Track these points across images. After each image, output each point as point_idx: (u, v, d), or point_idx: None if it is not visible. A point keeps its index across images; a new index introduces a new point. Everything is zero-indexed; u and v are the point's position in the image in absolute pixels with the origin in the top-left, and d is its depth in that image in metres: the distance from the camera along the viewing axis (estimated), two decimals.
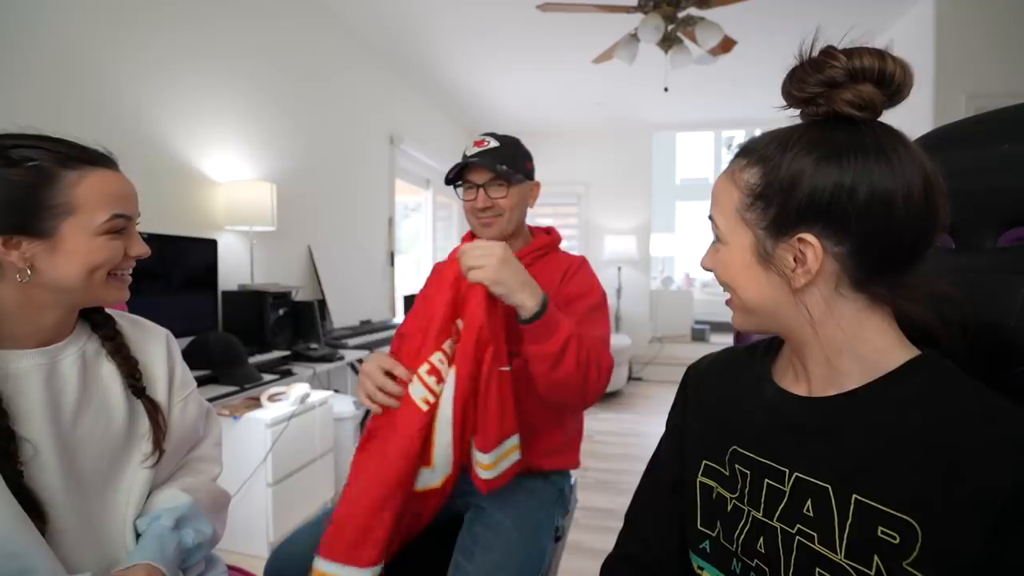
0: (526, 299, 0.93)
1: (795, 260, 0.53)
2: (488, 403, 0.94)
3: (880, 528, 0.46)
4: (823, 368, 0.55)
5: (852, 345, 0.53)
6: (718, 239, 0.60)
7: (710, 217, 0.61)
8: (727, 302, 0.62)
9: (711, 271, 0.62)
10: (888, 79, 0.50)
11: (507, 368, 0.96)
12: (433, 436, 0.93)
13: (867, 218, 0.50)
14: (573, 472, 1.27)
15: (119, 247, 0.72)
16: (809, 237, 0.52)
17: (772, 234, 0.54)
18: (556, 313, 0.96)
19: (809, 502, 0.52)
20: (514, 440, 0.98)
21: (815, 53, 0.53)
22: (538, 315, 0.93)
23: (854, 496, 0.48)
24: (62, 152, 0.68)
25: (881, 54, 0.50)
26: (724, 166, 0.60)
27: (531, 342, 0.96)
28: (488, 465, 0.95)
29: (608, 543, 0.74)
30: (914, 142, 0.52)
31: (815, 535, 0.51)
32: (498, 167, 1.13)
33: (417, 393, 0.93)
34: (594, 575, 0.73)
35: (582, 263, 1.21)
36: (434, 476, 0.94)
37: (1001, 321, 0.55)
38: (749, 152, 0.57)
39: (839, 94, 0.51)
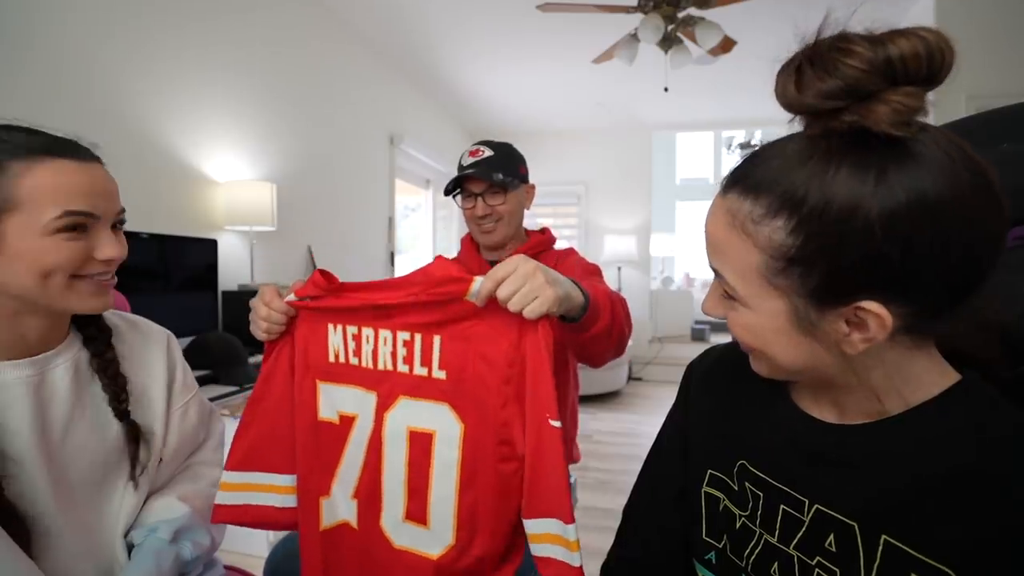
0: (576, 294, 0.77)
1: (848, 323, 0.43)
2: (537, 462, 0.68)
3: (912, 574, 0.42)
4: (859, 403, 0.49)
5: (896, 386, 0.46)
6: (731, 296, 0.49)
7: (713, 268, 0.50)
8: (748, 351, 0.53)
9: (720, 318, 0.52)
10: (936, 67, 0.37)
11: (557, 423, 0.65)
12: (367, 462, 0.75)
13: (950, 274, 0.40)
14: (573, 472, 1.27)
15: (78, 248, 0.63)
16: (873, 306, 0.41)
17: (817, 303, 0.43)
18: (587, 285, 0.85)
19: (832, 537, 0.47)
20: (553, 526, 0.67)
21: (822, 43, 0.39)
22: (587, 299, 0.79)
23: (883, 537, 0.44)
24: (11, 142, 0.61)
25: (916, 34, 0.37)
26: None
27: (589, 328, 0.83)
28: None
29: (608, 543, 0.74)
30: (962, 144, 0.41)
31: (837, 571, 0.46)
32: (494, 176, 1.17)
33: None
34: (594, 575, 0.73)
35: (570, 252, 1.27)
36: (415, 538, 0.74)
37: (1002, 321, 0.54)
38: (759, 188, 0.44)
39: (874, 111, 0.38)
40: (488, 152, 1.20)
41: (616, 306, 0.90)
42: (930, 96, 0.39)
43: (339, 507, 0.78)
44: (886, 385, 0.47)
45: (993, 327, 0.48)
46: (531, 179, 1.28)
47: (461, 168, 1.21)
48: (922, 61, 0.36)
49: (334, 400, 0.78)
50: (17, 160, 0.60)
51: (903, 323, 0.42)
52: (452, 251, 1.51)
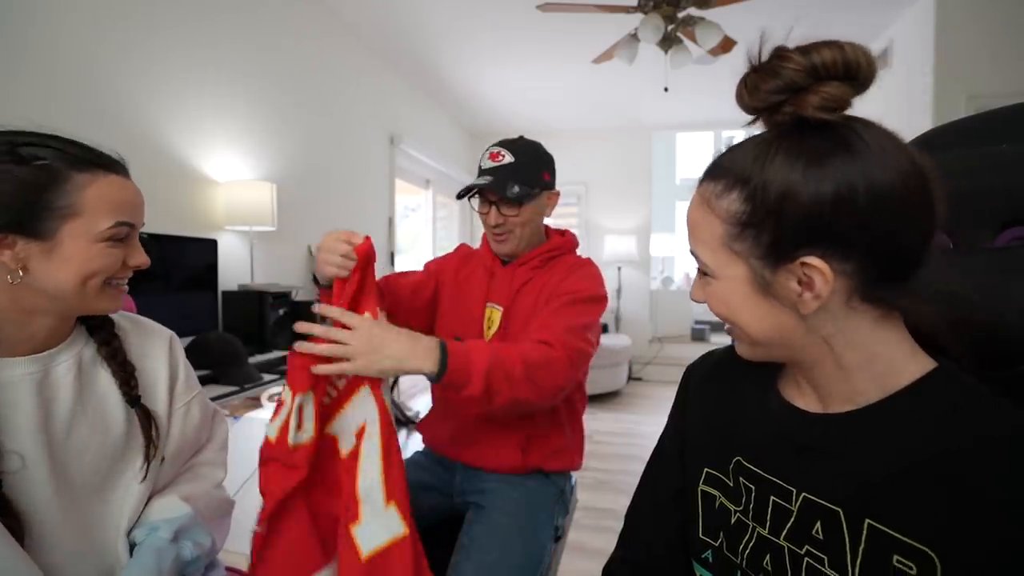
0: (420, 364, 0.84)
1: (800, 283, 0.48)
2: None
3: (896, 557, 0.44)
4: (835, 385, 0.52)
5: (867, 361, 0.49)
6: (706, 273, 0.55)
7: (692, 252, 0.56)
8: (727, 330, 0.58)
9: (704, 303, 0.57)
10: (853, 70, 0.46)
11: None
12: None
13: (870, 225, 0.46)
14: (574, 472, 1.27)
15: (118, 255, 0.68)
16: (814, 260, 0.47)
17: (770, 262, 0.49)
18: (462, 353, 0.87)
19: (819, 524, 0.49)
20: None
21: (764, 57, 0.48)
22: (440, 373, 0.85)
23: (867, 521, 0.46)
24: (73, 154, 0.66)
25: (839, 44, 0.46)
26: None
27: (452, 392, 0.88)
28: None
29: (608, 543, 0.74)
30: (896, 135, 0.48)
31: (825, 558, 0.48)
32: (509, 192, 1.08)
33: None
34: (594, 575, 0.73)
35: (586, 263, 1.19)
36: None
37: (1000, 321, 0.55)
38: (720, 173, 0.52)
39: (805, 99, 0.46)
40: (508, 158, 1.11)
41: (520, 366, 0.89)
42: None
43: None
44: (853, 358, 0.50)
45: (966, 323, 0.50)
46: None
47: (480, 170, 1.15)
48: (839, 65, 0.46)
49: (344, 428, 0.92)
50: (79, 172, 0.65)
51: (851, 284, 0.48)
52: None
